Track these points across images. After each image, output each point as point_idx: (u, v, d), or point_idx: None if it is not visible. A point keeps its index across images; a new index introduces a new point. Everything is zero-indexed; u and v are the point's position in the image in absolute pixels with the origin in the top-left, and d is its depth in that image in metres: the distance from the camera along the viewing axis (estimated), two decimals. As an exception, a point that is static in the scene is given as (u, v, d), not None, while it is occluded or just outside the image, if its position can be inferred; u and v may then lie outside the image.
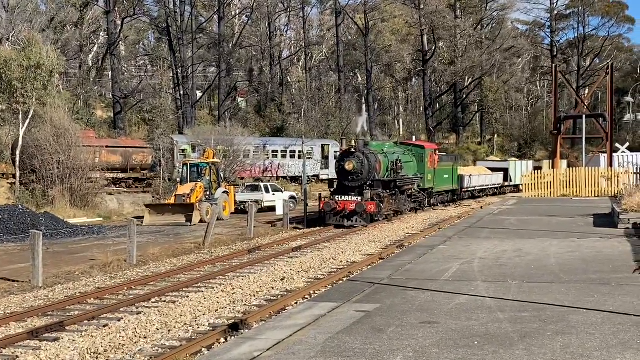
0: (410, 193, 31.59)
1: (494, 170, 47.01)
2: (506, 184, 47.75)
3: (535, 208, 30.22)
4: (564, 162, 51.93)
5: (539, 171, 43.76)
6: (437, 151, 36.15)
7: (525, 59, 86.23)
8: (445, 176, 36.84)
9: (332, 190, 28.29)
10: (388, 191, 28.35)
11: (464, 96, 74.62)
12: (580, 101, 53.30)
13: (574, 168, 42.62)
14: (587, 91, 69.19)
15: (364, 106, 34.49)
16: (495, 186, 46.39)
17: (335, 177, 28.94)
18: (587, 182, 39.60)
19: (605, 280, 12.35)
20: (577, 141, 61.37)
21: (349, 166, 26.86)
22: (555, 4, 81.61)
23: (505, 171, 47.89)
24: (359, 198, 26.59)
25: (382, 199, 27.25)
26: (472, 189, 42.10)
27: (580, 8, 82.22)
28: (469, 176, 41.41)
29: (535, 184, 40.52)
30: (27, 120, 31.86)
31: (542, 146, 71.50)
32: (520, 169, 48.63)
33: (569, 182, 39.97)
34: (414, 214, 32.16)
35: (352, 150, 27.56)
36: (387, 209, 28.26)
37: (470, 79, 74.19)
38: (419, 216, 31.52)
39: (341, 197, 26.79)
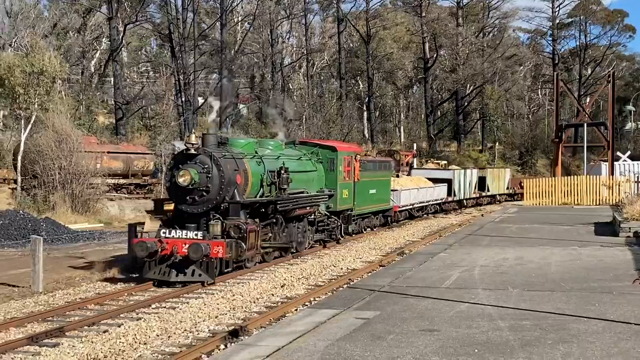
0: (313, 219, 21.34)
1: (435, 181, 37.44)
2: (450, 199, 38.29)
3: (536, 216, 30.19)
4: (507, 171, 50.80)
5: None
6: (358, 155, 25.55)
7: (527, 67, 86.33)
8: (372, 191, 26.52)
9: (160, 218, 17.31)
10: (259, 220, 17.60)
11: (466, 104, 74.65)
12: (581, 109, 53.34)
13: (575, 176, 42.66)
14: (588, 99, 69.29)
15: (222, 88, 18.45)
16: (437, 202, 36.82)
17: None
18: (589, 191, 39.60)
19: (607, 289, 12.33)
20: (579, 149, 61.44)
21: (183, 179, 16.13)
22: (556, 13, 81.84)
23: (449, 183, 38.30)
24: (201, 234, 15.90)
25: (243, 235, 16.10)
26: (409, 207, 32.41)
27: (582, 17, 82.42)
28: (404, 190, 31.85)
29: (537, 192, 40.48)
30: (29, 126, 31.87)
31: (544, 154, 71.53)
32: (465, 180, 40.57)
33: (570, 190, 39.97)
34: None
35: (193, 151, 16.50)
36: (257, 249, 17.33)
37: (471, 87, 74.25)
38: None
39: (170, 233, 15.93)
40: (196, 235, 15.80)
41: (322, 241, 22.54)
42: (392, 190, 29.63)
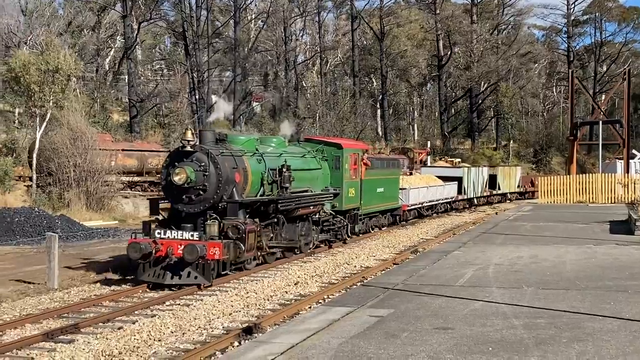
0: (317, 218, 20.49)
1: (445, 179, 36.65)
2: (460, 197, 37.61)
3: (550, 214, 30.05)
4: (518, 169, 49.77)
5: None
6: (365, 153, 24.58)
7: (542, 64, 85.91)
8: (380, 190, 25.41)
9: (156, 219, 16.58)
10: (260, 220, 16.89)
11: (480, 101, 74.39)
12: (596, 107, 53.00)
13: (590, 174, 42.46)
14: (603, 97, 68.87)
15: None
16: (447, 201, 35.99)
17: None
18: (604, 189, 39.38)
19: (622, 287, 12.26)
20: (594, 147, 61.10)
21: (179, 177, 15.38)
22: (572, 10, 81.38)
23: (459, 181, 37.75)
24: (197, 234, 15.17)
25: (242, 235, 15.42)
26: (419, 205, 31.45)
27: (597, 14, 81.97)
28: (413, 189, 30.75)
29: (551, 190, 40.29)
30: (44, 124, 32.06)
31: (558, 152, 71.17)
32: (476, 179, 39.83)
33: (585, 188, 39.78)
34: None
35: (189, 148, 15.70)
36: (263, 249, 16.98)
37: (486, 84, 73.98)
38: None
39: (165, 233, 15.20)
40: (192, 235, 15.03)
41: (328, 241, 21.59)
42: (400, 188, 28.67)
